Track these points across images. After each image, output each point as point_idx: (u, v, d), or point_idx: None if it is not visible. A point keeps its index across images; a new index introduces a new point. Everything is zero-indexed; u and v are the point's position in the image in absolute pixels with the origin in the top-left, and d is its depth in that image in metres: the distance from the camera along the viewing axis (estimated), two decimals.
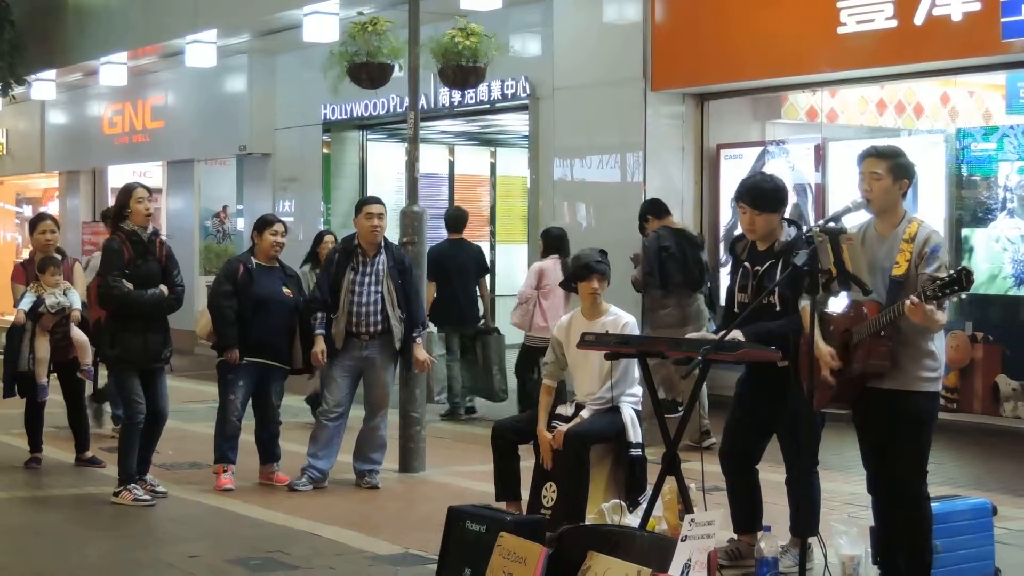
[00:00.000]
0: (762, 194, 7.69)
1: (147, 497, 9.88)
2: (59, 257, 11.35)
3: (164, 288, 9.89)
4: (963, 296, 6.32)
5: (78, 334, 11.13)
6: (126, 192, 9.93)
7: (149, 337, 9.88)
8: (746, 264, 7.80)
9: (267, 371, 10.58)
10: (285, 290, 10.59)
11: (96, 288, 10.13)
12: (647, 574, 6.40)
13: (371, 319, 10.38)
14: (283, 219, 11.27)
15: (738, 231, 8.05)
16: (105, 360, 10.08)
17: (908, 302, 6.36)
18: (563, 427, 8.52)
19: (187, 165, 24.71)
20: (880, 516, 7.01)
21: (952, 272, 6.30)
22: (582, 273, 8.77)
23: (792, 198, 14.48)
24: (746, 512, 7.88)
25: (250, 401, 10.71)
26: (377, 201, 10.66)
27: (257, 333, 10.42)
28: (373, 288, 10.37)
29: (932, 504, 7.00)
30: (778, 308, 7.50)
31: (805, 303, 6.93)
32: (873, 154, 6.86)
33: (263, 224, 10.68)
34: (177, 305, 10.08)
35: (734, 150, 15.44)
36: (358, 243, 10.48)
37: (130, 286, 9.72)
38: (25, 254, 12.36)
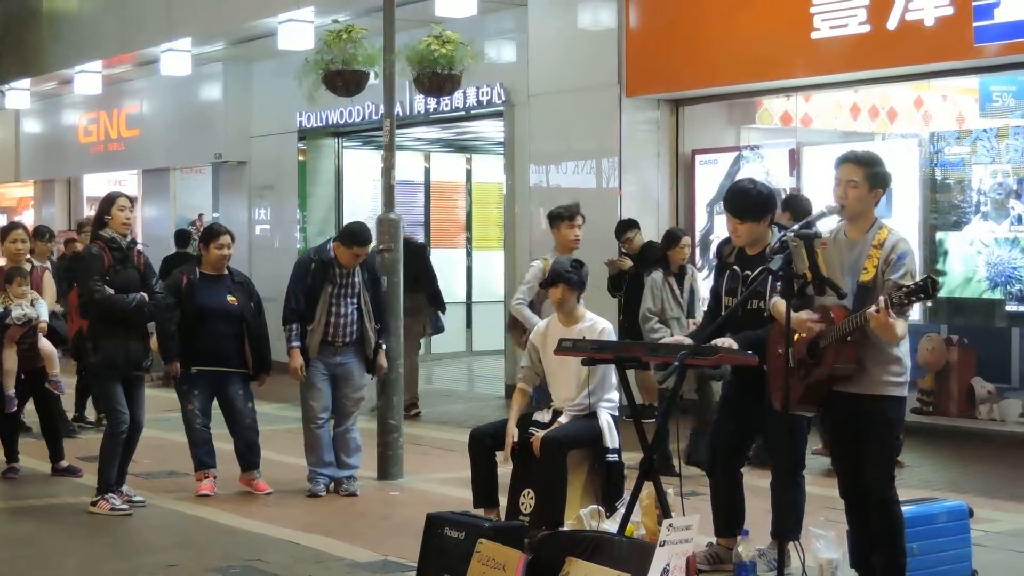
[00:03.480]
0: (744, 203, 7.73)
1: (124, 507, 9.86)
2: (27, 267, 11.29)
3: (145, 295, 9.90)
4: (929, 304, 6.36)
5: (45, 344, 11.10)
6: (108, 200, 9.96)
7: (131, 345, 9.90)
8: (735, 268, 7.82)
9: (222, 378, 10.62)
10: (230, 298, 10.61)
11: (77, 297, 10.09)
12: None
13: (347, 329, 10.52)
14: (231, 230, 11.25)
15: (725, 235, 8.08)
16: (88, 369, 10.04)
17: (872, 309, 6.39)
18: (540, 433, 8.53)
19: (163, 173, 24.69)
20: (854, 520, 7.04)
21: (919, 280, 6.33)
22: (550, 280, 8.82)
23: None
24: (727, 515, 7.90)
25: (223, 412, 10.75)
26: (365, 242, 10.53)
27: (203, 342, 10.46)
28: (351, 300, 10.52)
29: (909, 507, 7.04)
30: (767, 314, 7.52)
31: (776, 298, 6.96)
32: (852, 160, 6.88)
33: (209, 236, 10.71)
34: (157, 312, 10.14)
35: (709, 155, 15.49)
36: (335, 256, 10.52)
37: (111, 291, 9.74)
38: None
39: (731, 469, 7.94)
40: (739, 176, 14.87)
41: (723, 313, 7.77)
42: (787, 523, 7.39)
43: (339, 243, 10.53)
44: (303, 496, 10.44)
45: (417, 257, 15.00)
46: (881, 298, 6.39)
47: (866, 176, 6.81)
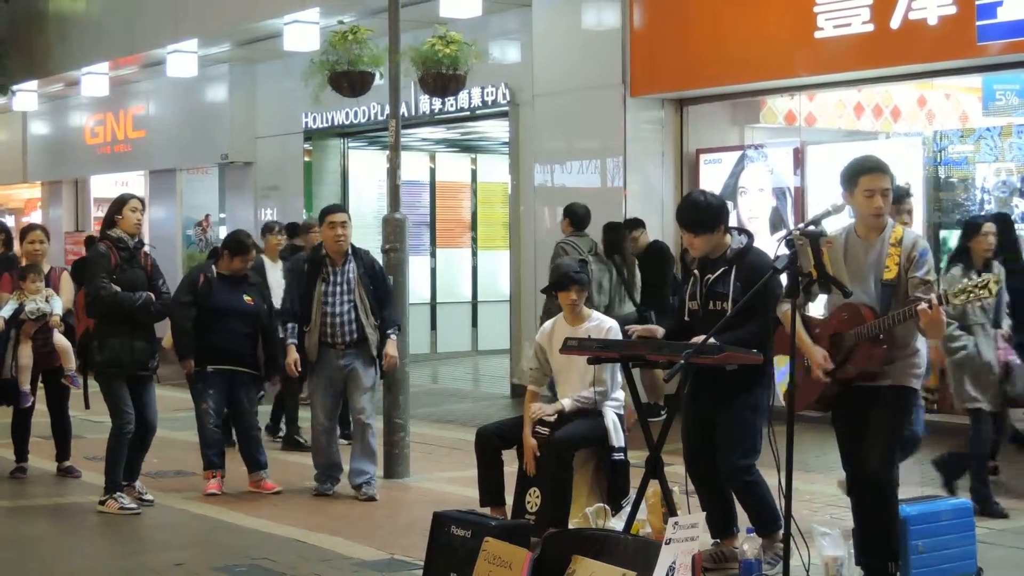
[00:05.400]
0: (695, 217, 7.79)
1: (133, 505, 9.89)
2: (45, 268, 11.34)
3: (151, 294, 9.95)
4: (988, 301, 6.49)
5: (61, 340, 11.11)
6: (120, 201, 10.05)
7: (136, 344, 9.93)
8: (695, 273, 7.90)
9: (235, 378, 10.66)
10: (246, 298, 10.69)
11: (83, 296, 10.16)
12: None
13: (345, 328, 10.33)
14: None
15: None
16: (93, 368, 10.10)
17: (924, 305, 6.44)
18: (540, 412, 8.58)
19: (169, 174, 24.72)
20: (860, 517, 7.07)
21: (978, 280, 6.47)
22: (561, 283, 8.80)
23: (771, 202, 14.58)
24: (718, 516, 7.92)
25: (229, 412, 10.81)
26: (339, 209, 10.63)
27: (219, 341, 10.52)
28: (345, 297, 10.32)
29: (914, 505, 7.09)
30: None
31: (786, 306, 7.00)
32: (881, 169, 6.99)
33: (237, 250, 10.74)
34: (164, 312, 10.20)
35: (713, 155, 15.50)
36: (326, 252, 10.44)
37: (118, 289, 9.79)
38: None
39: (709, 473, 7.95)
40: (743, 176, 14.93)
41: (687, 318, 7.87)
42: (763, 519, 7.48)
43: (322, 229, 10.49)
44: (310, 495, 10.47)
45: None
46: (933, 295, 6.46)
47: (891, 181, 6.99)
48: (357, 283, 10.35)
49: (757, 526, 7.61)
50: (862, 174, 6.96)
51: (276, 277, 12.76)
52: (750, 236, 7.97)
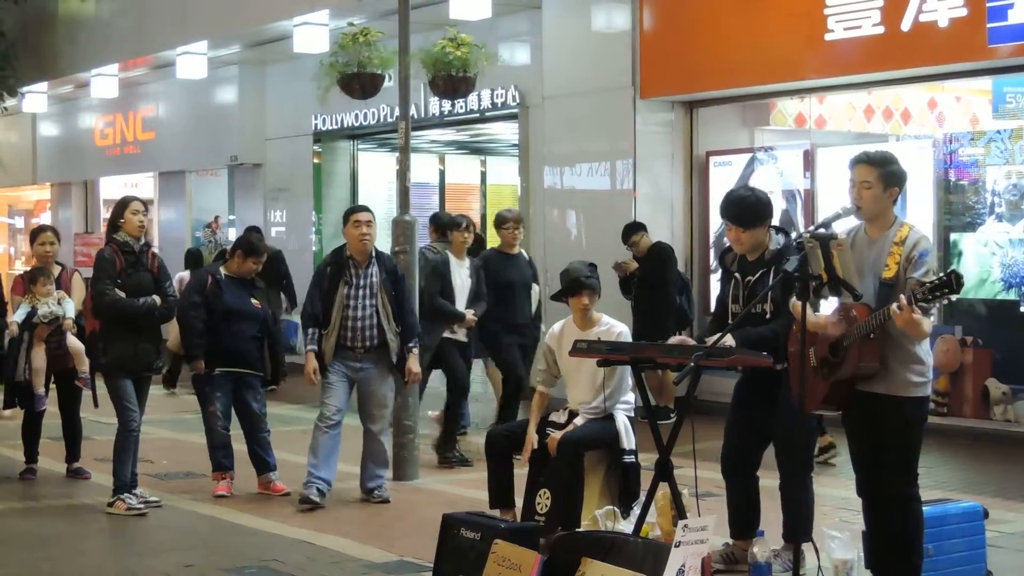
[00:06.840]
0: (745, 210, 7.77)
1: (140, 506, 9.91)
2: (56, 269, 11.37)
3: (156, 298, 9.97)
4: (952, 299, 6.36)
5: (74, 342, 11.12)
6: (122, 204, 10.05)
7: (140, 346, 9.96)
8: (736, 275, 7.86)
9: (242, 380, 10.65)
10: (253, 301, 10.69)
11: (90, 299, 10.21)
12: None
13: (366, 333, 10.19)
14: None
15: (727, 243, 8.11)
16: (99, 368, 10.14)
17: (895, 306, 6.39)
18: (557, 434, 8.56)
19: (178, 176, 24.78)
20: (870, 519, 7.04)
21: (942, 275, 6.32)
22: (572, 288, 8.77)
23: (781, 204, 14.56)
24: (743, 517, 7.91)
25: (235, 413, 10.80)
26: (364, 209, 10.54)
27: (228, 343, 10.49)
28: (368, 302, 10.19)
29: (924, 508, 7.03)
30: (768, 316, 7.54)
31: (794, 299, 6.97)
32: (865, 161, 6.87)
33: (249, 251, 10.72)
34: (169, 315, 10.23)
35: (723, 157, 15.50)
36: (349, 254, 10.32)
37: (122, 294, 9.81)
38: (18, 266, 12.37)
39: (747, 473, 7.96)
40: (753, 178, 14.91)
41: (730, 321, 7.80)
42: (798, 525, 7.42)
43: (344, 230, 10.40)
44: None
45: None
46: (902, 295, 6.39)
47: (880, 176, 6.80)
48: (380, 288, 10.23)
49: (789, 529, 7.60)
50: (850, 169, 6.93)
51: (462, 276, 12.39)
52: (787, 235, 7.95)
